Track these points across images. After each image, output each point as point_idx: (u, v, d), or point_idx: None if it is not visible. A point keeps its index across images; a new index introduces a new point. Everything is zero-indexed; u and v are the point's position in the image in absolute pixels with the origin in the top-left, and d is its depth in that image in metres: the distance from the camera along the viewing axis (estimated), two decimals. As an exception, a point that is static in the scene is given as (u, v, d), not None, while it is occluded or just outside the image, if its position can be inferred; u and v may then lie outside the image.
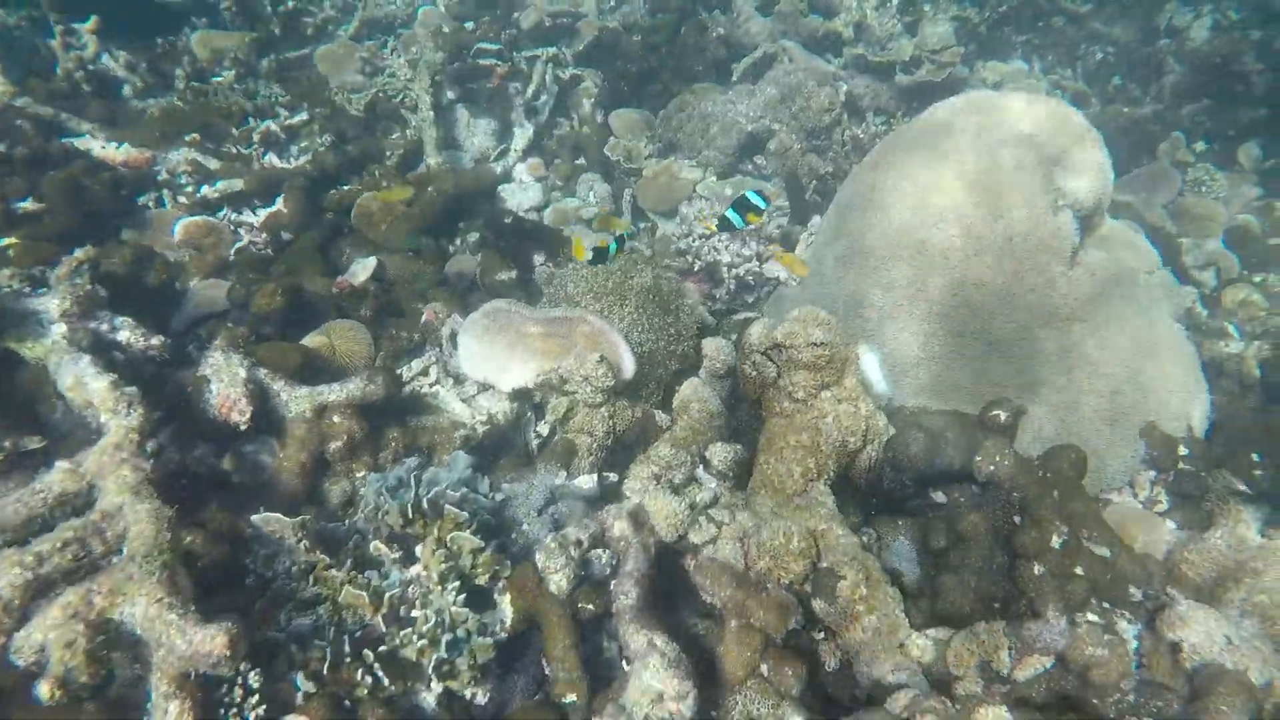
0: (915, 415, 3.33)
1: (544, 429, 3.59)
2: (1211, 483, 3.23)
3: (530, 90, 5.62)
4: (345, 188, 5.05)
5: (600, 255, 3.30)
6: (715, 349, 3.74)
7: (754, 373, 3.24)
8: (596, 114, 5.69)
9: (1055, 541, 2.84)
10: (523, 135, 5.48)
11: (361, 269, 4.32)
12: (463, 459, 3.30)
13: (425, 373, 3.90)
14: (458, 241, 4.78)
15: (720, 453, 3.35)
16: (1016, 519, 3.01)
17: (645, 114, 5.74)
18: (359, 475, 3.34)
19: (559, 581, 2.47)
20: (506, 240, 4.73)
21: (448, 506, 2.83)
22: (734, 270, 4.29)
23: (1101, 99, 6.50)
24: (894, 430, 3.22)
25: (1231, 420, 3.59)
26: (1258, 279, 4.69)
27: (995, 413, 3.24)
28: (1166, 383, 3.45)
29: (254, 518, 2.74)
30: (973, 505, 3.06)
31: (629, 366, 3.66)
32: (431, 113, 5.16)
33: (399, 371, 3.86)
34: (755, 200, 3.17)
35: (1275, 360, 3.83)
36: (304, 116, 5.33)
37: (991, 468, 3.08)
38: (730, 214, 3.26)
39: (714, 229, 4.03)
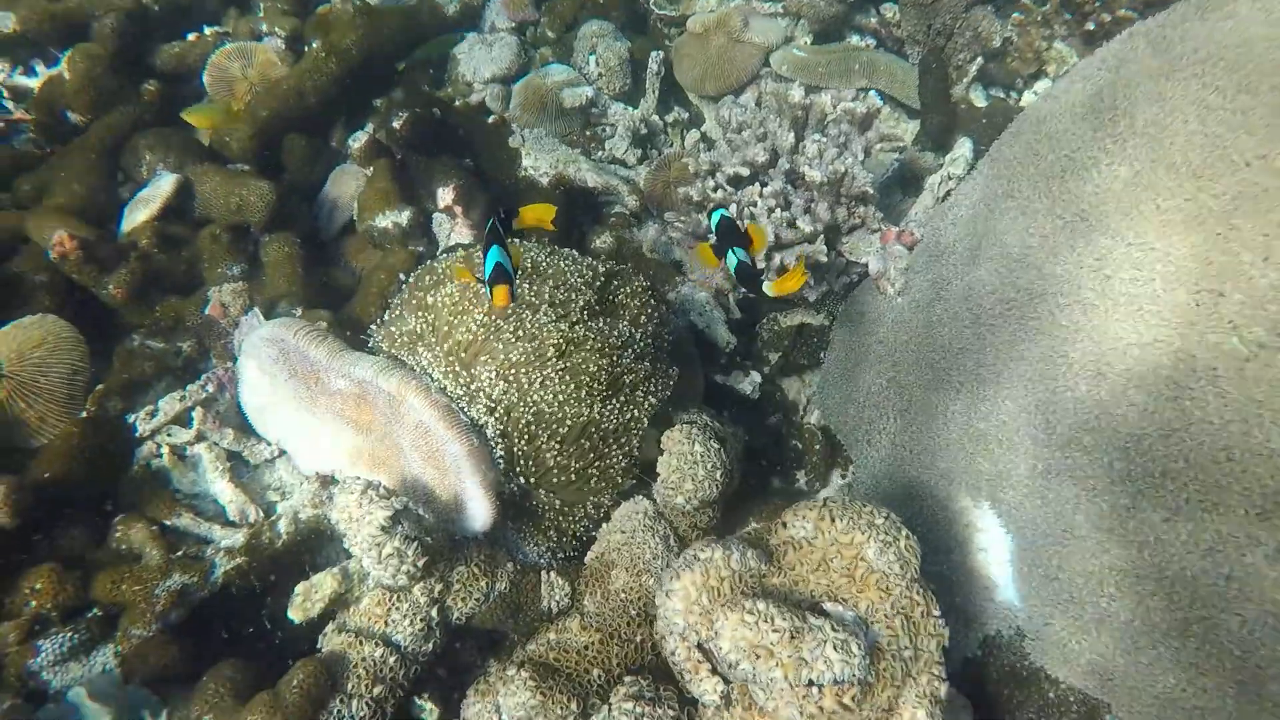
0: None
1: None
2: None
3: None
4: (206, 32, 3.20)
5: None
6: (677, 462, 1.82)
7: (685, 671, 1.35)
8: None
9: None
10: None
11: (145, 200, 2.54)
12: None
13: (183, 418, 2.18)
14: (354, 139, 2.90)
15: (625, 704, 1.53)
16: None
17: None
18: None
19: None
20: (424, 141, 2.79)
21: None
22: (779, 257, 2.24)
23: None
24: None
25: None
26: None
27: None
28: None
29: None
30: None
31: (482, 513, 1.80)
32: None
33: (133, 418, 2.17)
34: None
35: None
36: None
37: None
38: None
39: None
